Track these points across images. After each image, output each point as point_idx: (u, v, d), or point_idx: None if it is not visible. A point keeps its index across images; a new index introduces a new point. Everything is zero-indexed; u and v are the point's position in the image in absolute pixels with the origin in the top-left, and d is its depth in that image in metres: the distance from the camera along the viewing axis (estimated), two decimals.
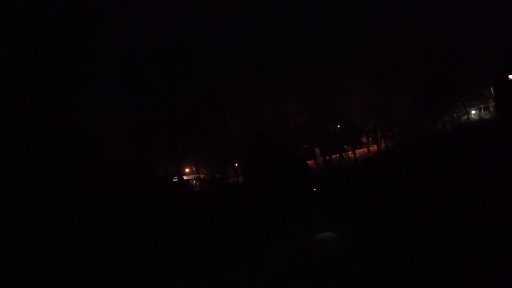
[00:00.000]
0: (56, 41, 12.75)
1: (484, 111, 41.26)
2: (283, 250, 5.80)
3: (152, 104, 28.43)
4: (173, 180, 29.20)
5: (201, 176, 42.33)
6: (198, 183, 38.67)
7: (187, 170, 43.16)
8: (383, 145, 35.61)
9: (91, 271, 7.30)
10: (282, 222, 5.92)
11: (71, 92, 13.53)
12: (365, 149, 37.39)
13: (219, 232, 9.38)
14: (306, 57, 34.19)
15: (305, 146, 38.55)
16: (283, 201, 6.03)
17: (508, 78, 32.83)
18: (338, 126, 34.99)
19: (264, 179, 5.92)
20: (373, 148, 36.61)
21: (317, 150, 36.86)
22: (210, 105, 30.20)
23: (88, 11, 13.88)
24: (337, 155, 31.94)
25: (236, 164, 33.97)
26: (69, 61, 13.07)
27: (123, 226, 12.58)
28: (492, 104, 38.66)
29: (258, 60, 31.87)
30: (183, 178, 32.41)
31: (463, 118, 37.62)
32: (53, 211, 11.91)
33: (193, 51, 29.39)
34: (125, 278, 6.51)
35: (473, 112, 41.42)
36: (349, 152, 33.80)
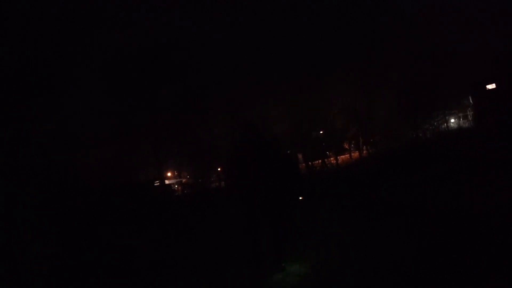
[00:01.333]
0: (35, 42, 12.55)
1: (463, 119, 42.16)
2: (278, 277, 4.56)
3: (134, 107, 28.13)
4: (155, 184, 28.91)
5: (183, 180, 42.03)
6: (180, 188, 38.38)
7: (169, 174, 42.79)
8: (365, 151, 36.02)
9: (70, 276, 7.13)
10: (277, 242, 4.69)
11: (51, 94, 13.31)
12: (347, 156, 37.73)
13: (200, 239, 9.29)
14: (289, 63, 34.33)
15: (288, 152, 38.65)
16: (280, 213, 4.81)
17: (486, 87, 33.66)
18: (321, 132, 35.26)
19: (254, 185, 4.66)
20: (355, 154, 36.96)
21: (299, 156, 37.05)
22: (193, 109, 30.06)
23: (71, 13, 13.70)
24: (320, 161, 32.14)
25: (219, 169, 33.84)
26: (50, 63, 12.86)
27: (103, 230, 12.36)
28: (471, 113, 39.55)
29: (241, 65, 31.97)
30: (165, 182, 32.11)
31: (443, 126, 38.36)
32: (30, 214, 11.63)
33: (177, 54, 29.25)
34: (104, 283, 6.38)
35: (452, 120, 42.27)
36: (332, 158, 34.06)
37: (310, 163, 32.47)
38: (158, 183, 29.04)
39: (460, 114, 42.59)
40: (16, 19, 12.41)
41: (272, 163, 4.79)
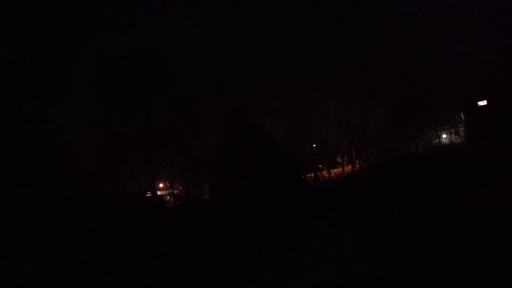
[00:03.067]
0: (27, 49, 12.51)
1: (454, 135, 42.50)
2: None
3: (127, 117, 28.06)
4: (147, 195, 28.69)
5: (175, 191, 41.76)
6: (172, 199, 38.09)
7: (161, 185, 42.52)
8: (357, 165, 36.11)
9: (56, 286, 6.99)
10: (280, 264, 3.42)
11: (42, 102, 13.22)
12: (340, 169, 37.79)
13: (192, 251, 9.19)
14: (282, 76, 34.58)
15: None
16: (282, 233, 3.59)
17: (477, 104, 34.02)
18: (314, 145, 35.34)
19: (248, 194, 3.39)
20: (348, 168, 37.04)
21: None
22: (186, 120, 30.04)
23: (61, 18, 13.66)
24: (312, 174, 32.16)
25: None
26: (41, 71, 12.81)
27: (91, 241, 12.18)
28: (462, 128, 39.92)
29: (234, 77, 32.10)
30: (157, 193, 31.89)
31: (435, 141, 38.65)
32: (16, 222, 11.46)
33: (169, 63, 29.35)
34: None
35: (444, 135, 42.61)
36: (324, 172, 34.10)
37: (303, 176, 32.43)
38: (150, 194, 28.83)
39: (452, 130, 42.96)
40: (9, 24, 12.37)
41: (273, 164, 3.49)
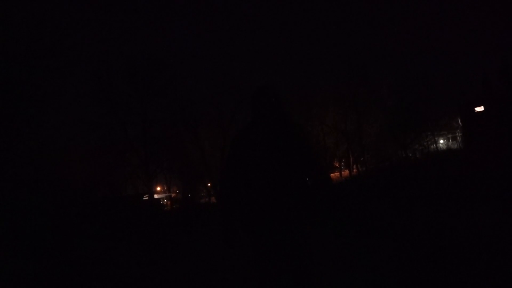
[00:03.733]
0: (21, 52, 12.47)
1: (451, 141, 42.62)
2: None
3: (124, 120, 28.02)
4: (144, 199, 28.59)
5: (173, 195, 41.68)
6: (169, 202, 38.02)
7: (158, 188, 42.45)
8: (355, 170, 36.16)
9: None
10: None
11: (37, 104, 13.18)
12: (337, 174, 37.84)
13: (188, 256, 9.16)
14: (280, 81, 34.74)
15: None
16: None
17: (475, 110, 34.14)
18: None
19: (266, 192, 2.72)
20: (345, 172, 37.08)
21: None
22: (184, 124, 30.04)
23: (58, 21, 13.66)
24: None
25: (209, 184, 33.67)
26: (37, 73, 12.78)
27: (87, 245, 12.14)
28: (460, 134, 40.02)
29: (232, 80, 32.12)
30: (154, 196, 31.80)
31: (432, 146, 38.75)
32: (10, 225, 11.39)
33: (167, 67, 29.37)
34: None
35: (441, 141, 42.72)
36: None
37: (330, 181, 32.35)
38: (147, 197, 28.75)
39: (449, 135, 43.09)
40: (5, 26, 12.35)
41: (299, 161, 2.79)
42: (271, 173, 2.73)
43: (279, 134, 2.80)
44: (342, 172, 37.83)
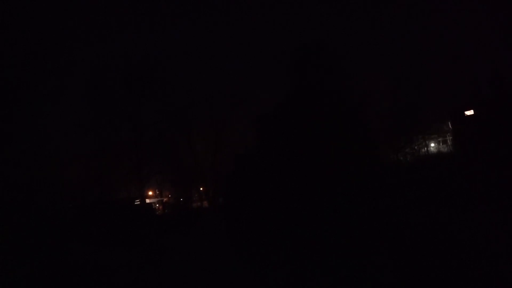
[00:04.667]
0: (15, 56, 12.41)
1: (442, 144, 42.95)
2: None
3: (117, 124, 27.87)
4: (135, 203, 28.38)
5: (165, 199, 41.44)
6: (161, 207, 37.81)
7: (150, 193, 42.16)
8: None
9: None
10: None
11: (30, 108, 13.10)
12: None
13: (180, 261, 9.15)
14: (273, 82, 34.77)
15: None
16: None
17: (464, 114, 34.52)
18: None
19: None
20: None
21: None
22: (177, 128, 29.93)
23: (52, 25, 13.61)
24: None
25: (201, 188, 33.54)
26: (31, 76, 12.72)
27: (78, 250, 12.05)
28: (450, 138, 40.39)
29: (225, 84, 32.18)
30: (145, 201, 31.60)
31: (423, 150, 38.95)
32: (2, 229, 11.28)
33: (160, 71, 29.30)
34: None
35: (432, 145, 43.02)
36: None
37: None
38: (139, 202, 28.55)
39: (440, 139, 43.42)
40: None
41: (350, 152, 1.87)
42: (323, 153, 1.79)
43: (324, 109, 1.84)
44: None
